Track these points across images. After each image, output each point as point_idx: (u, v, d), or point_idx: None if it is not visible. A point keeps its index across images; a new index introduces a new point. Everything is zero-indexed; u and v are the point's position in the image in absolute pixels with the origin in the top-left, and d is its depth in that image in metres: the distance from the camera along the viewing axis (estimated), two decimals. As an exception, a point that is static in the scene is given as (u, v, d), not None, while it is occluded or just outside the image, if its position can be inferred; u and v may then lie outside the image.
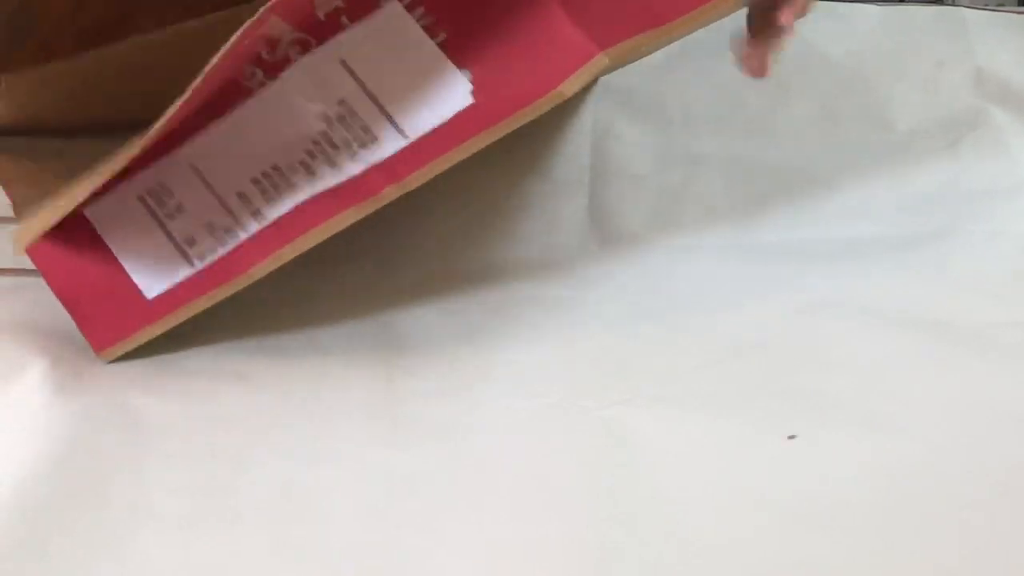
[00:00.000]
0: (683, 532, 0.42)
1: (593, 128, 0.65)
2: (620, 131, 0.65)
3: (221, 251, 0.51)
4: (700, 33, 0.67)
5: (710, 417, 0.48)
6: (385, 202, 0.51)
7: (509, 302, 0.55)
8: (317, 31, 0.50)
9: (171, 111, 0.48)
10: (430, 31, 0.50)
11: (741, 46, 0.51)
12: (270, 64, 0.51)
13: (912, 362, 0.50)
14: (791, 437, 0.46)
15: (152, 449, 0.46)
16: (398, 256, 0.59)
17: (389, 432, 0.47)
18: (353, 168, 0.51)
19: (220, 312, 0.53)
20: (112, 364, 0.51)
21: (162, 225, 0.51)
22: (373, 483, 0.45)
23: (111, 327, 0.51)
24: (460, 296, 0.56)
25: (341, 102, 0.50)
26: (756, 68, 0.51)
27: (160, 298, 0.51)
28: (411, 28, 0.50)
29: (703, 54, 0.68)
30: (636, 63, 0.67)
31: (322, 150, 0.51)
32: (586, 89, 0.66)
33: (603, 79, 0.67)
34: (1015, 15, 0.71)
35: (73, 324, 0.52)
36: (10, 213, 0.54)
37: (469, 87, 0.50)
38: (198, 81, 0.47)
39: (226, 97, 0.51)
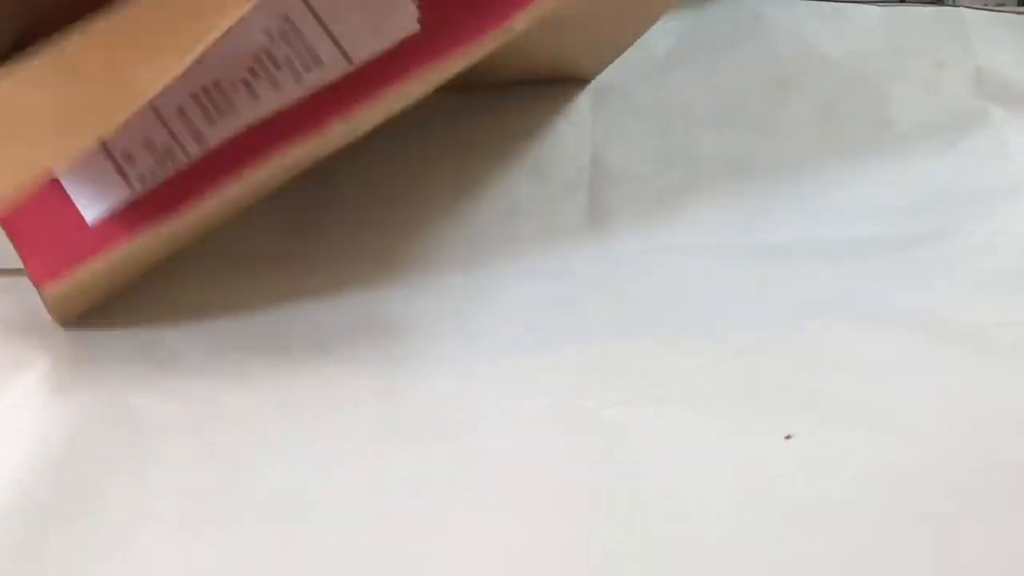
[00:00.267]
0: (684, 532, 0.42)
1: (592, 128, 0.65)
2: (620, 131, 0.65)
3: (161, 174, 0.50)
4: (700, 32, 0.68)
5: (710, 417, 0.48)
6: (334, 143, 0.51)
7: (509, 302, 0.55)
8: None
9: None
10: None
11: None
12: None
13: (912, 362, 0.50)
14: (788, 437, 0.46)
15: (152, 449, 0.46)
16: (399, 256, 0.59)
17: (389, 432, 0.47)
18: (296, 91, 0.50)
19: (220, 312, 0.53)
20: (112, 365, 0.51)
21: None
22: (373, 483, 0.45)
23: (53, 256, 0.50)
24: (460, 296, 0.56)
25: (284, 18, 0.50)
26: None
27: (103, 227, 0.50)
28: None
29: (703, 54, 0.68)
30: (635, 63, 0.67)
31: (264, 68, 0.50)
32: (585, 89, 0.67)
33: (602, 79, 0.67)
34: (1015, 15, 0.71)
35: (72, 324, 0.52)
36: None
37: (416, 13, 0.50)
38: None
39: None
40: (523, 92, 0.66)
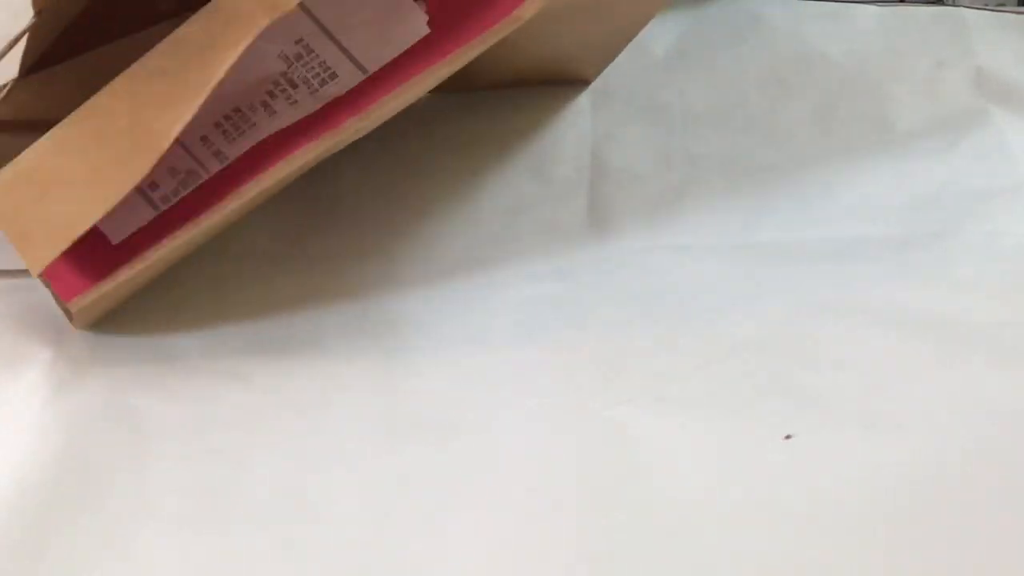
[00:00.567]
0: (684, 532, 0.42)
1: (593, 128, 0.65)
2: (620, 131, 0.65)
3: (183, 192, 0.51)
4: (700, 32, 0.68)
5: (710, 417, 0.48)
6: (347, 136, 0.51)
7: (509, 302, 0.55)
8: None
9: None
10: None
11: None
12: None
13: (912, 362, 0.50)
14: (788, 437, 0.46)
15: (152, 449, 0.46)
16: (399, 255, 0.59)
17: (389, 432, 0.47)
18: (313, 104, 0.51)
19: (220, 312, 0.53)
20: (112, 364, 0.51)
21: None
22: (373, 483, 0.45)
23: (78, 274, 0.51)
24: (461, 296, 0.56)
25: (299, 41, 0.51)
26: None
27: (126, 242, 0.51)
28: None
29: (703, 54, 0.68)
30: (635, 63, 0.67)
31: (282, 89, 0.51)
32: (585, 89, 0.67)
33: (602, 79, 0.67)
34: (1015, 15, 0.71)
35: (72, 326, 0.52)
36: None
37: (425, 17, 0.51)
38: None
39: None
40: (524, 92, 0.66)
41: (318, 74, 0.51)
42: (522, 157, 0.64)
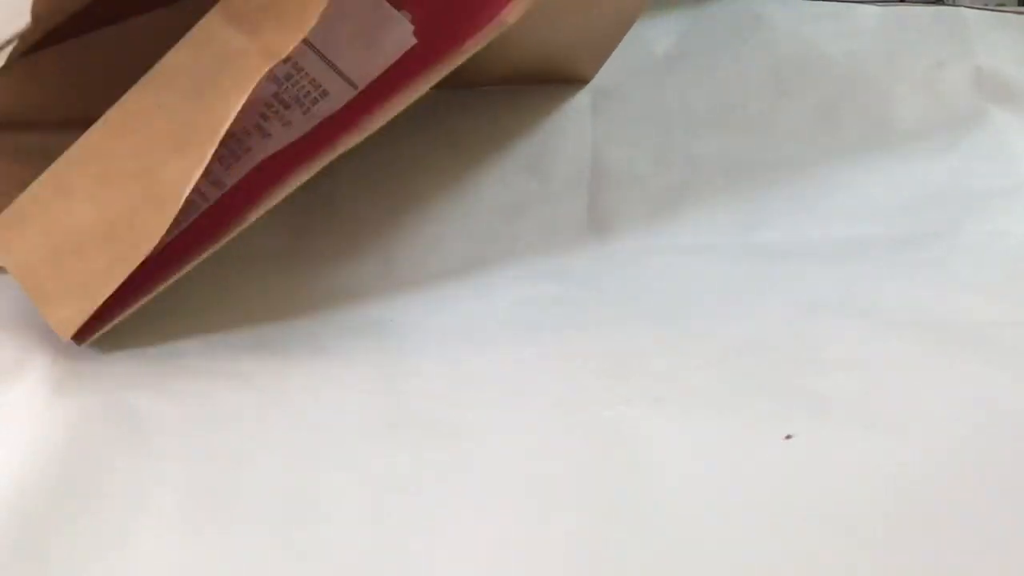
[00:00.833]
0: (684, 532, 0.42)
1: (592, 128, 0.65)
2: (620, 131, 0.65)
3: (184, 225, 0.52)
4: (700, 32, 0.68)
5: (710, 417, 0.48)
6: (341, 150, 0.52)
7: (508, 302, 0.55)
8: None
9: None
10: None
11: None
12: None
13: (912, 362, 0.50)
14: (788, 437, 0.46)
15: (152, 449, 0.46)
16: (398, 255, 0.59)
17: (389, 432, 0.47)
18: (306, 124, 0.52)
19: (219, 312, 0.53)
20: (112, 364, 0.51)
21: None
22: (373, 483, 0.45)
23: (87, 322, 0.51)
24: (460, 296, 0.56)
25: (287, 60, 0.51)
26: None
27: (130, 281, 0.51)
28: None
29: (703, 54, 0.68)
30: (635, 63, 0.67)
31: (275, 111, 0.52)
32: (585, 88, 0.67)
33: (602, 79, 0.67)
34: (1015, 15, 0.71)
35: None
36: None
37: (411, 28, 0.51)
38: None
39: None
40: (523, 92, 0.66)
41: (309, 92, 0.51)
42: (522, 157, 0.64)
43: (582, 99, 0.66)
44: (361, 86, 0.51)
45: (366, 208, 0.61)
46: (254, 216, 0.51)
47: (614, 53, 0.66)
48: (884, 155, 0.65)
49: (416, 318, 0.55)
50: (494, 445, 0.46)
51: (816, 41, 0.68)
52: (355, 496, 0.44)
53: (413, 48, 0.51)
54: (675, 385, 0.49)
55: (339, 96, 0.51)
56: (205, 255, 0.51)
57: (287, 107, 0.51)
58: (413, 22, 0.51)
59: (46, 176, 0.51)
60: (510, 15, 0.50)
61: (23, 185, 0.54)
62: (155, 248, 0.50)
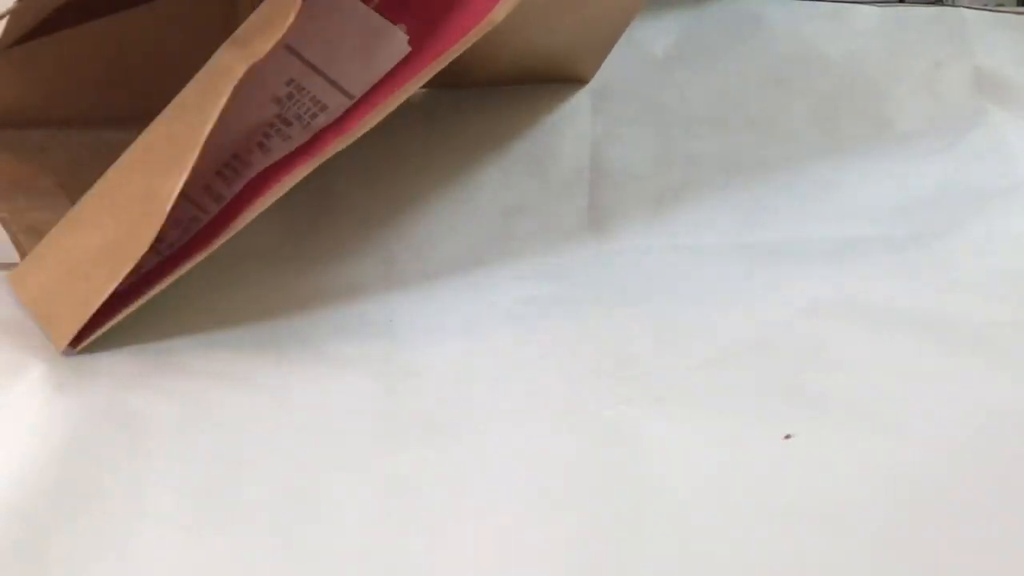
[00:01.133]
0: (685, 532, 0.42)
1: (592, 128, 0.65)
2: (619, 131, 0.65)
3: (186, 238, 0.53)
4: (700, 32, 0.68)
5: (710, 417, 0.48)
6: (332, 154, 0.53)
7: (509, 302, 0.55)
8: None
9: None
10: None
11: None
12: None
13: (912, 362, 0.50)
14: (788, 437, 0.46)
15: (152, 450, 0.46)
16: (398, 255, 0.59)
17: (388, 431, 0.47)
18: (304, 136, 0.53)
19: (219, 312, 0.53)
20: (112, 365, 0.51)
21: None
22: (373, 483, 0.45)
23: (84, 327, 0.51)
24: (460, 296, 0.56)
25: (289, 82, 0.53)
26: None
27: (127, 288, 0.51)
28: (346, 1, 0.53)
29: (703, 54, 0.68)
30: (635, 63, 0.67)
31: (277, 129, 0.53)
32: (584, 89, 0.67)
33: (602, 79, 0.67)
34: (1015, 15, 0.71)
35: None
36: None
37: (405, 37, 0.52)
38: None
39: None
40: (523, 92, 0.66)
41: (309, 108, 0.53)
42: (522, 156, 0.64)
43: (582, 99, 0.66)
44: (357, 96, 0.52)
45: (366, 209, 0.61)
46: (247, 220, 0.52)
47: (613, 53, 0.66)
48: (883, 155, 0.65)
49: (415, 318, 0.55)
50: (494, 445, 0.46)
51: (815, 41, 0.68)
52: (355, 496, 0.44)
53: (406, 55, 0.52)
54: (675, 385, 0.49)
55: (337, 108, 0.52)
56: (200, 258, 0.52)
57: (288, 124, 0.52)
58: (407, 32, 0.52)
59: (65, 217, 0.53)
60: (498, 13, 0.50)
61: (19, 179, 0.54)
62: (150, 259, 0.51)
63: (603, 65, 0.67)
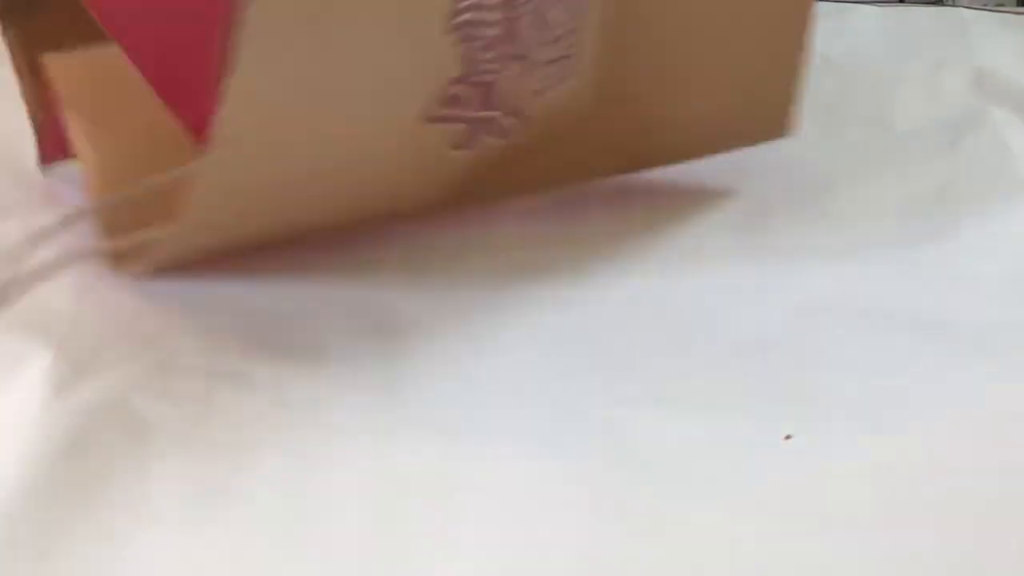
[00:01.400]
0: (684, 532, 0.42)
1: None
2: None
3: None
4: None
5: (710, 417, 0.48)
6: None
7: (509, 302, 0.55)
8: None
9: None
10: None
11: None
12: None
13: (912, 362, 0.50)
14: (788, 437, 0.46)
15: (152, 449, 0.46)
16: (398, 255, 0.59)
17: (389, 432, 0.47)
18: None
19: (219, 311, 0.53)
20: (112, 364, 0.51)
21: None
22: (373, 483, 0.45)
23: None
24: (461, 296, 0.56)
25: None
26: None
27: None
28: None
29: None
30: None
31: None
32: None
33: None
34: (1015, 15, 0.72)
35: (72, 322, 0.52)
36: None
37: None
38: None
39: None
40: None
41: None
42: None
43: (582, 99, 0.66)
44: None
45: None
46: None
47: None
48: (884, 155, 0.65)
49: (417, 318, 0.54)
50: (494, 445, 0.46)
51: (816, 41, 0.67)
52: (356, 497, 0.44)
53: None
54: (675, 385, 0.49)
55: None
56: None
57: None
58: None
59: None
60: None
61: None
62: None
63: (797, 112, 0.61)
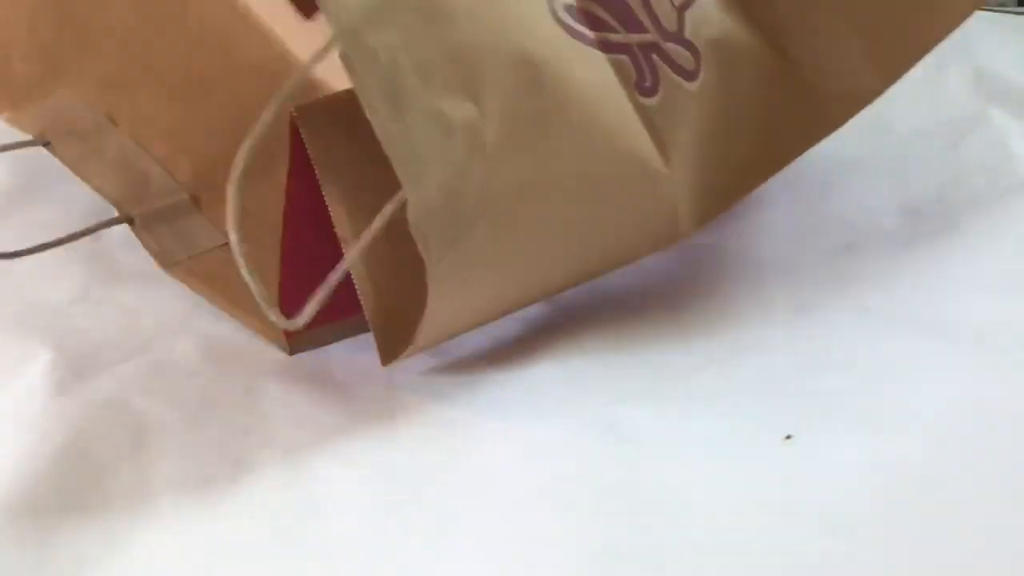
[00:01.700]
0: (684, 531, 0.42)
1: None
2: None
3: None
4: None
5: (710, 417, 0.48)
6: None
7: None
8: None
9: None
10: None
11: None
12: None
13: (912, 362, 0.50)
14: (788, 437, 0.46)
15: (152, 449, 0.46)
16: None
17: (389, 431, 0.47)
18: None
19: (218, 312, 0.53)
20: (112, 365, 0.51)
21: None
22: (373, 482, 0.45)
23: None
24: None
25: None
26: None
27: None
28: None
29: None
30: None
31: None
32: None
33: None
34: (1015, 15, 0.71)
35: (72, 322, 0.52)
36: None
37: None
38: None
39: None
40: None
41: None
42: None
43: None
44: None
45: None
46: None
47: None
48: (884, 155, 0.65)
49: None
50: (494, 444, 0.46)
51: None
52: (356, 495, 0.44)
53: None
54: (675, 385, 0.49)
55: None
56: None
57: None
58: None
59: None
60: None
61: None
62: None
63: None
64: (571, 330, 0.53)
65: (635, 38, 0.49)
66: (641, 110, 0.49)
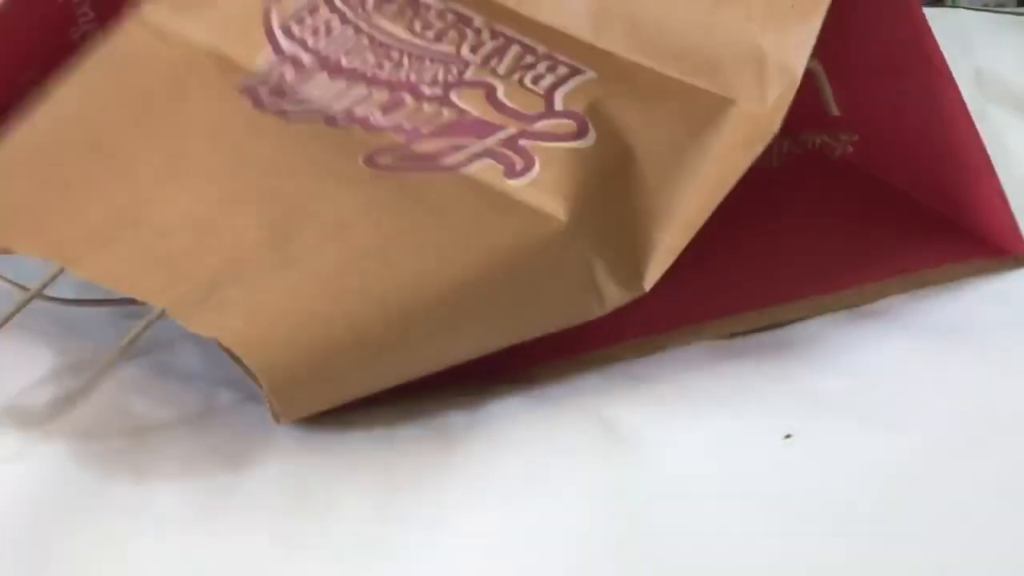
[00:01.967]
0: (684, 531, 0.42)
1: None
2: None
3: None
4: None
5: (710, 416, 0.48)
6: None
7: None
8: None
9: None
10: None
11: None
12: None
13: (912, 362, 0.50)
14: (788, 437, 0.46)
15: (153, 450, 0.46)
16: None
17: (390, 431, 0.47)
18: None
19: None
20: (112, 365, 0.51)
21: None
22: (374, 482, 0.45)
23: None
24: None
25: None
26: None
27: None
28: None
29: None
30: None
31: None
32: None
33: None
34: (1015, 16, 0.72)
35: (72, 323, 0.52)
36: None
37: None
38: None
39: None
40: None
41: None
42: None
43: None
44: None
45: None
46: None
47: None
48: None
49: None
50: (494, 444, 0.46)
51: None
52: (356, 494, 0.44)
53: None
54: (675, 384, 0.49)
55: None
56: None
57: None
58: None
59: None
60: None
61: None
62: None
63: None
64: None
65: (491, 141, 0.51)
66: (518, 191, 0.49)
